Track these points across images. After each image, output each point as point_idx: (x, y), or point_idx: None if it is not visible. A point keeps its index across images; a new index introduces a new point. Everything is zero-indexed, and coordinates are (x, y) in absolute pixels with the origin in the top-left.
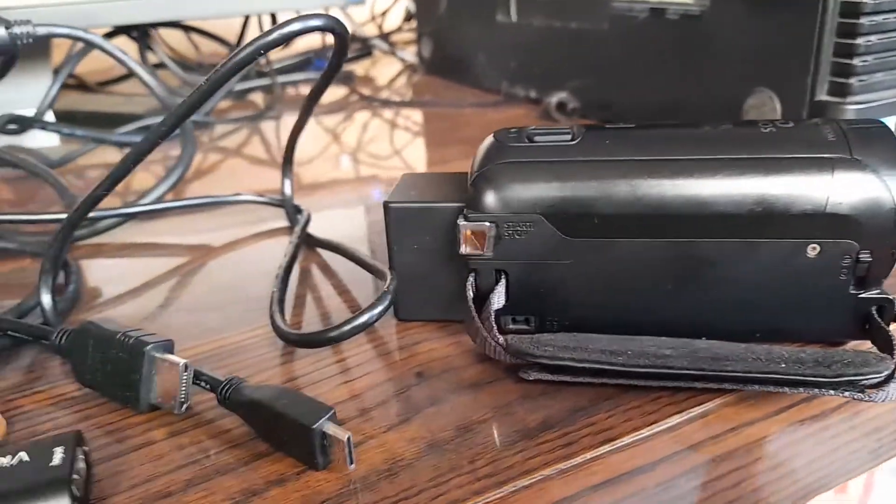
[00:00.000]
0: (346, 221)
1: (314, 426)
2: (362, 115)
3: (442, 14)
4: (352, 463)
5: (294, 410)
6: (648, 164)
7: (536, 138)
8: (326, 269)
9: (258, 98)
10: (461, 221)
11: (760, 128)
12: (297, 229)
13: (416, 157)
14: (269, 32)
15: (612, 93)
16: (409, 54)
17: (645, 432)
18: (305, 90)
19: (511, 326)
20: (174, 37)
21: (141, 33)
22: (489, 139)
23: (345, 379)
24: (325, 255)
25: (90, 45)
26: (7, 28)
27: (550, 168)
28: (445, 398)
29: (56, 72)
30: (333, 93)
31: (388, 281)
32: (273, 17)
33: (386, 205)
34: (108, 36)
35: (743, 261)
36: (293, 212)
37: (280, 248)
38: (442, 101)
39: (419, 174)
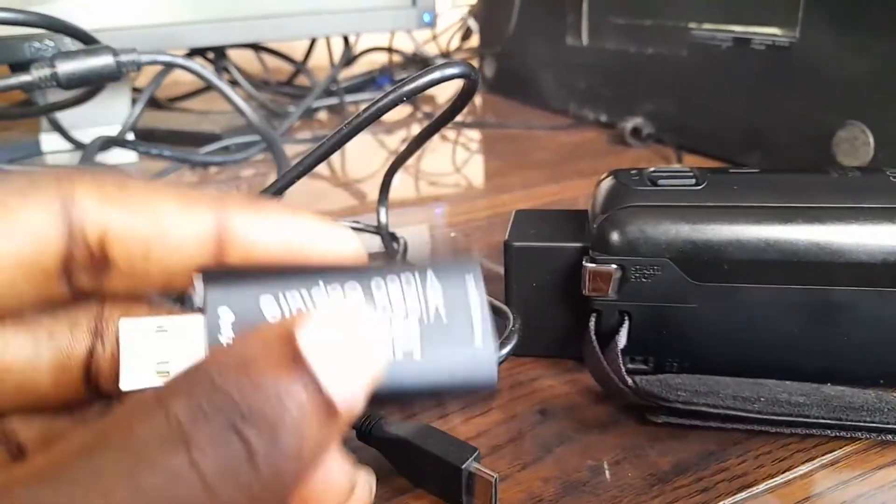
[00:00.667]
0: (431, 246)
1: (463, 466)
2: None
3: (508, 35)
4: (495, 502)
5: (440, 449)
6: (780, 210)
7: (660, 182)
8: None
9: (323, 115)
10: (587, 263)
11: (889, 176)
12: (399, 258)
13: (499, 182)
14: (414, 79)
15: (691, 119)
16: None
17: (779, 479)
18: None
19: (629, 366)
20: (243, 55)
21: (217, 54)
22: (610, 180)
23: (468, 415)
24: None
25: (192, 73)
26: (115, 56)
27: (679, 213)
28: (573, 437)
29: (135, 90)
30: (397, 111)
31: (513, 320)
32: (345, 38)
33: (508, 244)
34: (186, 56)
35: (874, 309)
36: (389, 239)
37: None
38: (511, 122)
39: (531, 211)
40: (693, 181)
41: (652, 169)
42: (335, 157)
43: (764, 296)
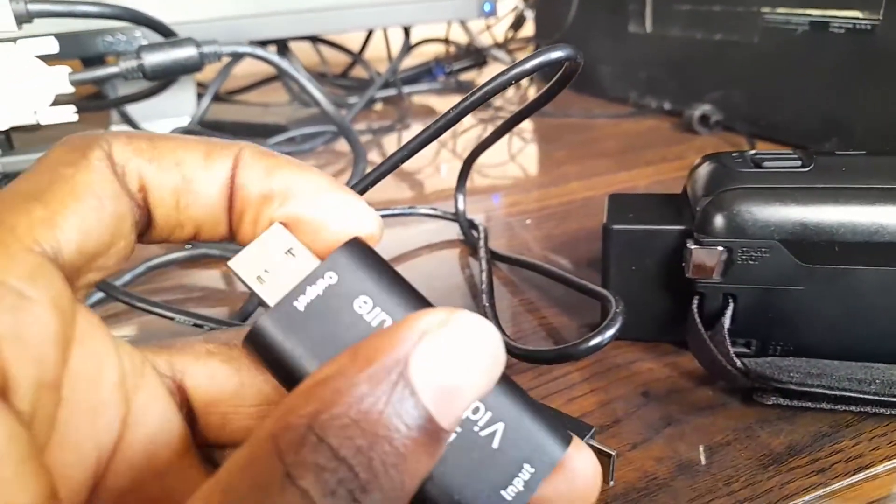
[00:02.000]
0: (507, 232)
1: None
2: (482, 124)
3: (567, 24)
4: (612, 480)
5: None
6: (892, 192)
7: (765, 164)
8: (511, 285)
9: (379, 106)
10: (691, 246)
11: None
12: (482, 245)
13: (566, 170)
14: (522, 63)
15: (763, 107)
16: None
17: None
18: (427, 99)
19: (732, 349)
20: (300, 46)
21: (280, 47)
22: (710, 163)
23: (570, 396)
24: (504, 268)
25: (272, 65)
26: (198, 48)
27: (789, 194)
28: (680, 419)
29: (199, 84)
30: (451, 102)
31: (615, 303)
32: (406, 29)
33: (607, 228)
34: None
35: None
36: (467, 226)
37: (454, 260)
38: (571, 111)
39: (625, 195)
40: (799, 163)
41: (754, 151)
42: (391, 147)
43: (875, 278)
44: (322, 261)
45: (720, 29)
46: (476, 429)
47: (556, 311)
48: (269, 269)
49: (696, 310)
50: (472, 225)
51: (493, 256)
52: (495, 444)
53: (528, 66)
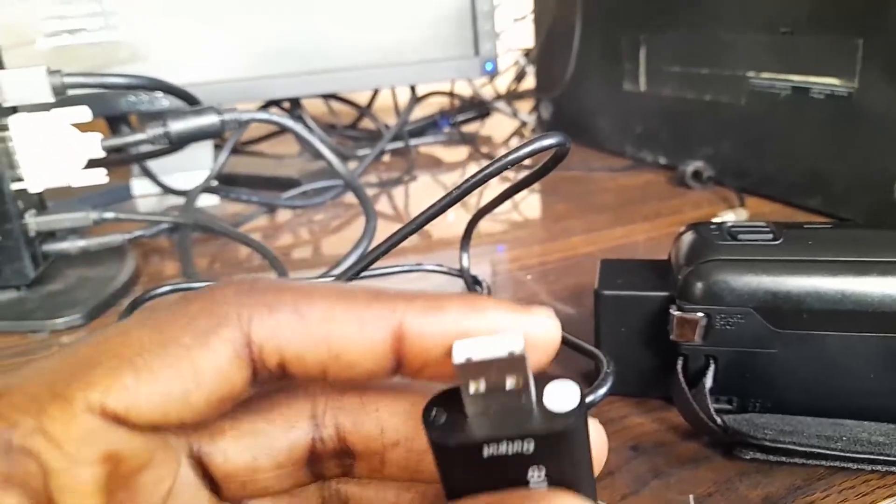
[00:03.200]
0: (510, 287)
1: None
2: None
3: (566, 80)
4: None
5: None
6: (854, 264)
7: (740, 236)
8: None
9: (386, 158)
10: (674, 311)
11: None
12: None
13: (566, 225)
14: (517, 150)
15: (752, 163)
16: (524, 114)
17: None
18: (433, 150)
19: (714, 406)
20: (312, 101)
21: (293, 103)
22: (691, 234)
23: None
24: None
25: (289, 131)
26: (219, 115)
27: (761, 266)
28: (666, 472)
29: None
30: (456, 153)
31: (606, 363)
32: (412, 88)
33: (598, 293)
34: (262, 108)
35: None
36: (471, 282)
37: None
38: (571, 164)
39: (616, 260)
40: (770, 236)
41: (730, 224)
42: (399, 198)
43: (842, 342)
44: (544, 408)
45: (709, 90)
46: None
47: (552, 367)
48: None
49: (680, 370)
50: (476, 281)
51: None
52: None
53: (523, 152)
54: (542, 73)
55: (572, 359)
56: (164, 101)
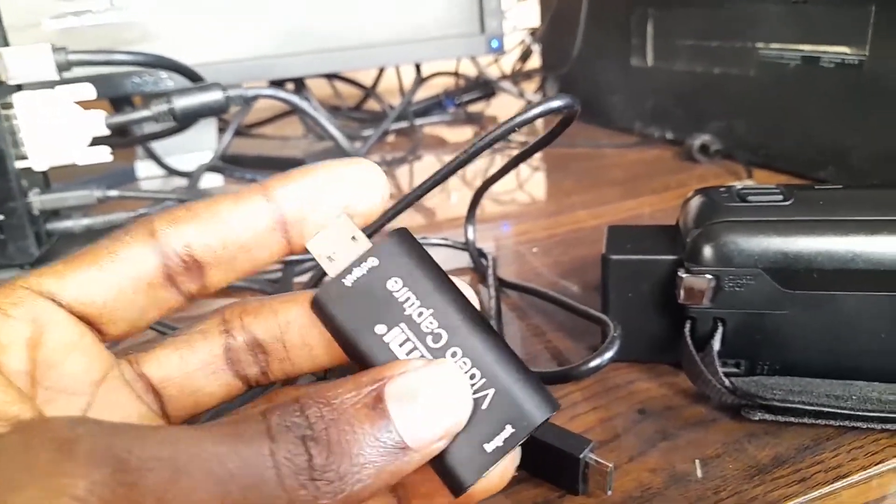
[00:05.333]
0: (517, 260)
1: (581, 456)
2: (490, 153)
3: (572, 58)
4: (610, 490)
5: (559, 441)
6: (865, 223)
7: (750, 198)
8: (519, 310)
9: (391, 138)
10: (683, 274)
11: None
12: (491, 273)
13: (575, 199)
14: (524, 111)
15: (761, 136)
16: (530, 94)
17: (872, 471)
18: (438, 130)
19: (722, 369)
20: (315, 80)
21: (297, 84)
22: (700, 197)
23: (573, 413)
24: (512, 294)
25: (293, 106)
26: (224, 91)
27: (771, 226)
28: (674, 434)
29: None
30: (461, 133)
31: (613, 328)
32: (417, 66)
33: (606, 258)
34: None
35: None
36: (477, 255)
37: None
38: (578, 141)
39: (623, 226)
40: (780, 197)
41: (740, 186)
42: (404, 177)
43: (852, 302)
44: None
45: (718, 63)
46: (471, 392)
47: (561, 335)
48: (336, 251)
49: (688, 333)
50: (482, 254)
51: (502, 284)
52: (485, 406)
53: (531, 114)
54: (548, 52)
55: (583, 327)
56: (168, 82)
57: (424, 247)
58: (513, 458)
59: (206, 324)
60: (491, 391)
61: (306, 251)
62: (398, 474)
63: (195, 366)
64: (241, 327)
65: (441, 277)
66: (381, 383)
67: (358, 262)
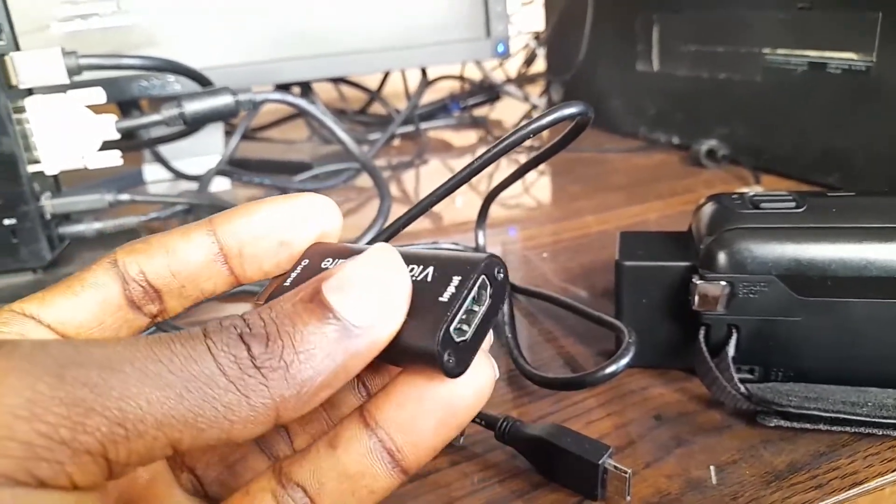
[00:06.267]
0: (524, 265)
1: (599, 462)
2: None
3: (577, 63)
4: (628, 496)
5: (578, 447)
6: (880, 230)
7: (763, 205)
8: (530, 316)
9: (397, 142)
10: (697, 281)
11: None
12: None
13: (581, 204)
14: (539, 118)
15: (767, 141)
16: (534, 97)
17: (889, 477)
18: (443, 134)
19: (737, 375)
20: (321, 84)
21: (303, 88)
22: (712, 204)
23: (588, 419)
24: (522, 300)
25: (302, 111)
26: (234, 96)
27: (785, 234)
28: (689, 440)
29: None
30: (466, 136)
31: (628, 334)
32: (423, 70)
33: (619, 264)
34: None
35: None
36: None
37: None
38: (583, 146)
39: (635, 233)
40: (793, 204)
41: (753, 193)
42: (410, 182)
43: (865, 309)
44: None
45: (724, 68)
46: (414, 277)
47: (573, 341)
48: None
49: (702, 339)
50: None
51: (513, 289)
52: (429, 279)
53: (545, 120)
54: (553, 56)
55: (594, 333)
56: (175, 86)
57: (433, 251)
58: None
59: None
60: (430, 269)
61: (254, 281)
62: (355, 358)
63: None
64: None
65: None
66: (318, 282)
67: (295, 267)
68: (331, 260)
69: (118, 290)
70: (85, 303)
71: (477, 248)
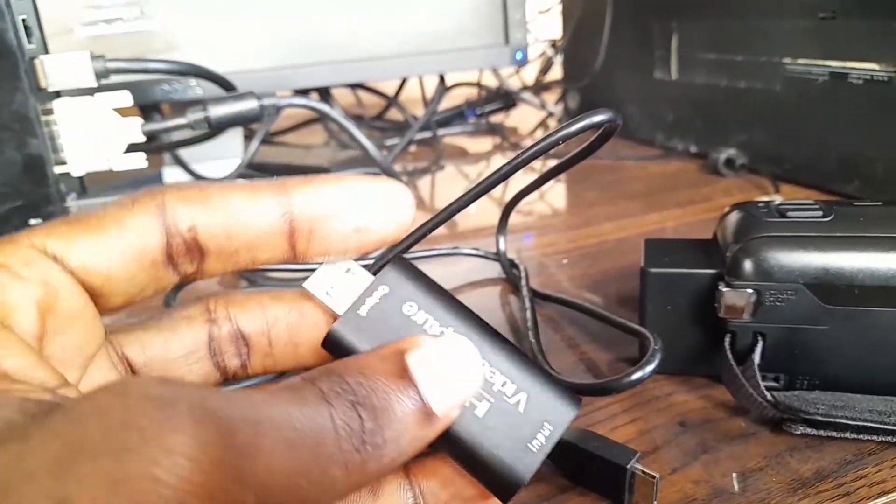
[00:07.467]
0: (544, 271)
1: (627, 466)
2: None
3: (595, 70)
4: (656, 501)
5: (606, 452)
6: None
7: (789, 214)
8: (552, 321)
9: (413, 148)
10: (723, 288)
11: None
12: (524, 284)
13: (599, 211)
14: (568, 125)
15: (787, 150)
16: (551, 105)
17: None
18: (459, 140)
19: (762, 383)
20: (339, 91)
21: (322, 93)
22: (738, 212)
23: (613, 425)
24: (543, 305)
25: (322, 115)
26: (258, 100)
27: (811, 242)
28: (715, 446)
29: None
30: (482, 143)
31: (654, 341)
32: (441, 76)
33: (645, 271)
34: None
35: None
36: (508, 266)
37: (496, 296)
38: (600, 153)
39: (659, 240)
40: (820, 213)
41: (779, 202)
42: (426, 189)
43: (892, 319)
44: (375, 275)
45: (743, 77)
46: (506, 398)
47: (596, 347)
48: (334, 286)
49: (728, 347)
50: (514, 265)
51: (536, 295)
52: (521, 410)
53: (574, 128)
54: (570, 64)
55: (617, 339)
56: (197, 90)
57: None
58: None
59: (190, 310)
60: (523, 395)
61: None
62: (424, 443)
63: (178, 353)
64: (227, 317)
65: (449, 297)
66: (402, 353)
67: (368, 293)
68: (415, 307)
69: (160, 242)
70: (118, 250)
71: (498, 253)
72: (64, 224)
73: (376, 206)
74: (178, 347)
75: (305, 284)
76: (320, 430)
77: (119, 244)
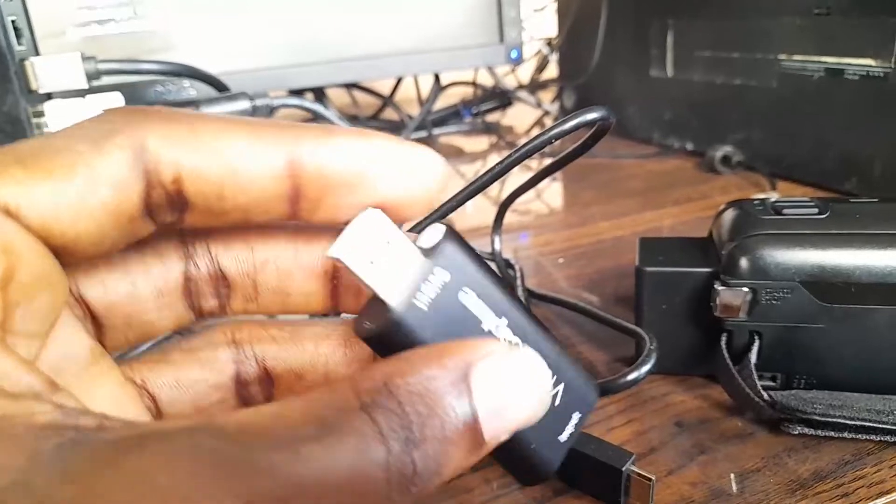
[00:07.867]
0: (539, 271)
1: (623, 468)
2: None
3: (590, 68)
4: (652, 503)
5: (600, 453)
6: None
7: (785, 211)
8: (547, 321)
9: None
10: (719, 287)
11: None
12: (520, 284)
13: (596, 210)
14: (561, 123)
15: (783, 147)
16: (547, 103)
17: None
18: (455, 140)
19: (759, 382)
20: (334, 91)
21: (317, 93)
22: (734, 210)
23: (609, 426)
24: (539, 305)
25: (316, 116)
26: (251, 101)
27: (807, 239)
28: (712, 447)
29: None
30: (478, 142)
31: (649, 341)
32: (436, 76)
33: (640, 270)
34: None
35: None
36: (504, 266)
37: None
38: (596, 151)
39: (654, 238)
40: (816, 210)
41: (774, 199)
42: None
43: (890, 316)
44: (421, 249)
45: (739, 74)
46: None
47: (591, 347)
48: (375, 257)
49: (724, 346)
50: (509, 264)
51: (532, 295)
52: (556, 403)
53: (567, 126)
54: (566, 62)
55: (613, 339)
56: (191, 91)
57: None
58: None
59: (162, 246)
60: (561, 387)
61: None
62: (463, 470)
63: (148, 294)
64: (207, 254)
65: (496, 277)
66: (468, 365)
67: (424, 277)
68: (472, 295)
69: (139, 196)
70: (86, 199)
71: (493, 253)
72: (18, 165)
73: (406, 175)
74: (147, 289)
75: (333, 252)
76: (370, 480)
77: (90, 198)
